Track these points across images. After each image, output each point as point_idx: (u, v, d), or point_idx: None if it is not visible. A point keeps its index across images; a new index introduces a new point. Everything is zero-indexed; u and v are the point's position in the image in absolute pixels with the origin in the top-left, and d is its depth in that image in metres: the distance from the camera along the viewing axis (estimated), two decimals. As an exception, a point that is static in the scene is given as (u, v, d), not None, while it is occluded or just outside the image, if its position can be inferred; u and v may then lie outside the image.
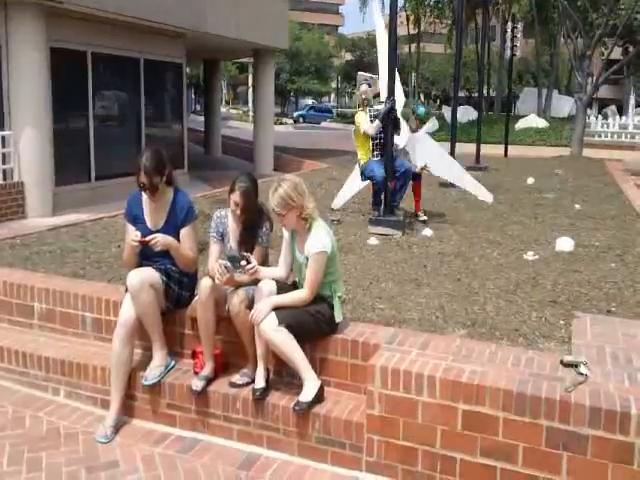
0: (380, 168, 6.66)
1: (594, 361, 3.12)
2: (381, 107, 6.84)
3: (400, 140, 7.09)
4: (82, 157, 10.11)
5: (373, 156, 6.94)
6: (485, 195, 7.02)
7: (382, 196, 6.72)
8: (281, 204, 3.35)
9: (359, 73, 7.57)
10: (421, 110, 7.72)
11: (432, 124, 7.71)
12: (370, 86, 7.12)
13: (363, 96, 7.14)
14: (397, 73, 7.21)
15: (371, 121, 6.89)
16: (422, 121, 7.55)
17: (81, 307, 4.16)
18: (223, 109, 38.09)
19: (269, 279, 3.47)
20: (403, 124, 7.14)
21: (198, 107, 52.50)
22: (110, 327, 3.90)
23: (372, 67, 51.30)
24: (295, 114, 48.16)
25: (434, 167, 7.27)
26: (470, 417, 2.89)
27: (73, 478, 3.12)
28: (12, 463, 3.23)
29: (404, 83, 45.15)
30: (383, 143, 6.82)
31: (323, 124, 45.72)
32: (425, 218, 7.07)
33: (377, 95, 7.32)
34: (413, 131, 7.43)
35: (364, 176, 7.00)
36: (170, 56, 12.05)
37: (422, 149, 7.27)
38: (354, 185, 7.53)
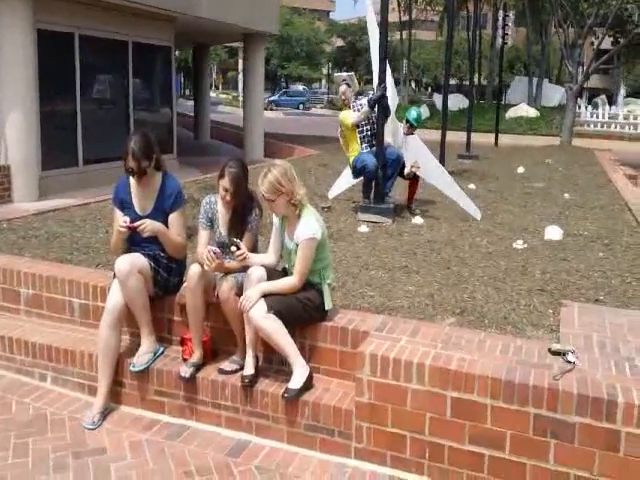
0: (370, 157, 6.62)
1: (582, 349, 3.14)
2: (364, 101, 6.77)
3: (387, 132, 6.93)
4: (69, 141, 9.98)
5: (362, 148, 6.82)
6: (472, 209, 6.58)
7: (373, 184, 6.69)
8: (271, 190, 3.33)
9: (336, 75, 7.46)
10: (413, 115, 7.31)
11: (423, 110, 7.63)
12: (349, 86, 7.01)
13: (343, 97, 7.03)
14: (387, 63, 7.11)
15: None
16: (413, 126, 7.26)
17: (68, 292, 4.12)
18: (213, 94, 37.80)
19: (258, 265, 3.45)
20: (392, 115, 7.02)
21: (187, 91, 52.05)
22: (98, 313, 3.87)
23: (363, 53, 51.21)
24: (266, 100, 47.24)
25: (423, 170, 7.03)
26: (459, 404, 2.90)
27: (60, 464, 3.10)
28: (-2, 449, 3.21)
29: (394, 70, 45.03)
30: (371, 133, 6.76)
31: (313, 110, 45.47)
32: (417, 212, 6.95)
33: (359, 93, 7.31)
34: (406, 134, 7.26)
35: (355, 172, 6.88)
36: (159, 39, 11.89)
37: (412, 151, 7.09)
38: (351, 177, 7.36)
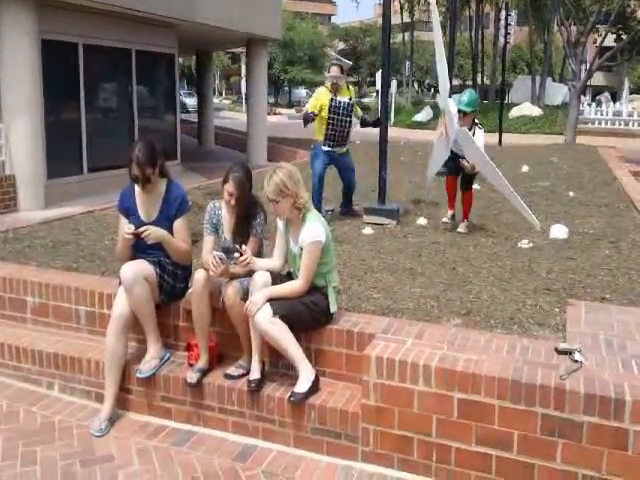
0: (319, 164, 6.47)
1: (588, 348, 3.13)
2: (344, 100, 6.36)
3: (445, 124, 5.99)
4: (74, 149, 10.04)
5: (324, 142, 6.42)
6: (531, 218, 5.64)
7: (319, 197, 6.50)
8: (275, 191, 3.34)
9: (332, 53, 6.99)
10: (463, 100, 5.84)
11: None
12: (342, 71, 6.45)
13: (334, 80, 6.36)
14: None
15: (331, 112, 6.30)
16: (465, 113, 5.78)
17: (74, 300, 4.14)
18: (216, 100, 37.87)
19: (263, 270, 3.46)
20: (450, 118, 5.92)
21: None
22: (104, 320, 3.88)
23: (365, 56, 51.12)
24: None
25: (476, 164, 5.86)
26: (466, 406, 2.90)
27: (68, 472, 3.11)
28: (6, 457, 3.23)
29: (397, 72, 45.04)
30: (339, 135, 6.42)
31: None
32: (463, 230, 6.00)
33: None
34: (461, 126, 5.80)
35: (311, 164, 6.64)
36: (162, 47, 11.96)
37: (463, 145, 5.84)
38: (437, 160, 6.44)
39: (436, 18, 6.29)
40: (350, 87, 6.75)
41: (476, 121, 5.95)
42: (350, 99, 6.51)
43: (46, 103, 9.01)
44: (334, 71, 6.42)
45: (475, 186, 8.67)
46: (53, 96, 9.29)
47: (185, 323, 3.80)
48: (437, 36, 6.18)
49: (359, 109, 6.78)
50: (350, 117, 6.46)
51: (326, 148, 6.51)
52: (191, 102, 38.31)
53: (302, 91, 55.41)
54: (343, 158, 6.65)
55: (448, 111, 5.89)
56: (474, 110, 5.89)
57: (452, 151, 6.04)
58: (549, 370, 2.87)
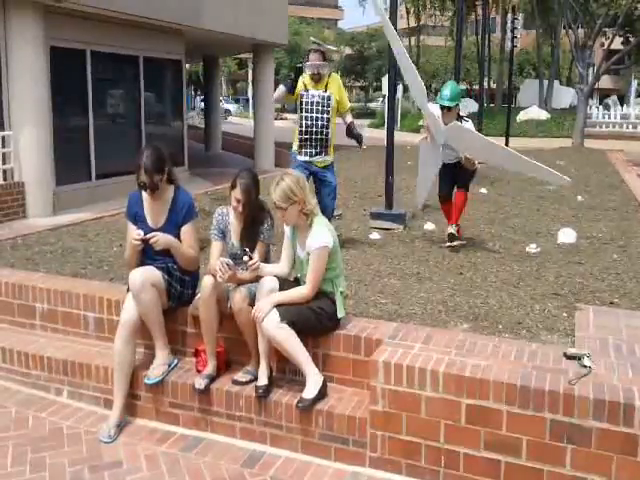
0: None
1: (597, 353, 3.11)
2: (318, 92, 5.26)
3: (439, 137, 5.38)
4: (82, 156, 10.09)
5: (299, 150, 5.39)
6: (555, 178, 5.13)
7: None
8: (283, 198, 3.34)
9: (311, 38, 5.99)
10: (445, 95, 5.34)
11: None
12: (324, 57, 5.30)
13: (315, 70, 5.22)
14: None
15: (302, 109, 5.29)
16: (449, 108, 5.31)
17: (83, 307, 4.15)
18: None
19: (271, 276, 3.46)
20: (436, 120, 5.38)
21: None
22: (112, 326, 3.89)
23: (372, 61, 51.08)
24: None
25: (478, 155, 5.42)
26: (474, 411, 2.88)
27: (77, 478, 3.12)
28: (16, 463, 3.24)
29: (403, 77, 44.95)
30: (311, 137, 5.30)
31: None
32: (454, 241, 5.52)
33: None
34: (446, 124, 5.30)
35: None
36: (169, 53, 12.02)
37: (456, 142, 5.34)
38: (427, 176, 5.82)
39: (390, 27, 5.20)
40: (335, 76, 5.51)
41: (461, 114, 5.48)
42: (325, 91, 5.28)
43: (54, 110, 9.06)
44: (314, 58, 5.25)
45: (482, 190, 8.69)
46: (61, 103, 9.34)
47: (193, 329, 3.81)
48: (394, 41, 5.24)
49: (349, 112, 5.63)
50: (327, 114, 5.26)
51: (302, 158, 5.40)
52: (233, 108, 37.89)
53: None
54: (323, 173, 5.44)
55: (430, 114, 5.36)
56: (457, 104, 5.39)
57: (443, 163, 5.56)
58: (558, 375, 2.86)
